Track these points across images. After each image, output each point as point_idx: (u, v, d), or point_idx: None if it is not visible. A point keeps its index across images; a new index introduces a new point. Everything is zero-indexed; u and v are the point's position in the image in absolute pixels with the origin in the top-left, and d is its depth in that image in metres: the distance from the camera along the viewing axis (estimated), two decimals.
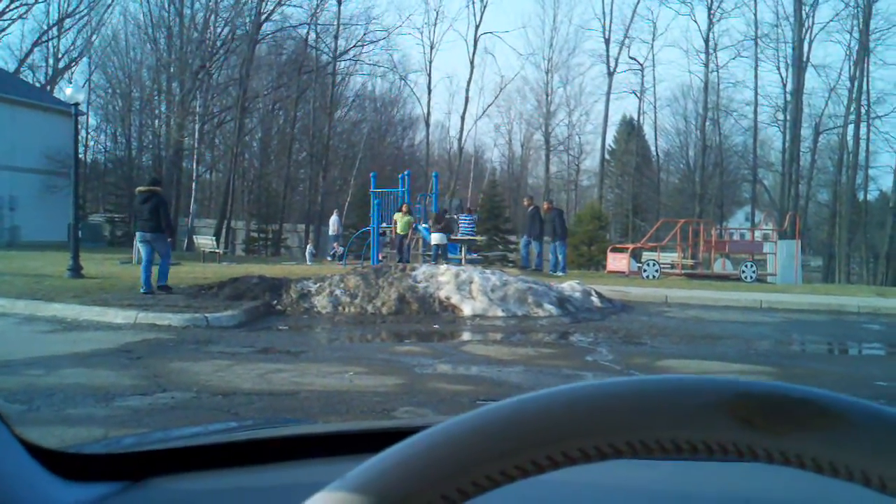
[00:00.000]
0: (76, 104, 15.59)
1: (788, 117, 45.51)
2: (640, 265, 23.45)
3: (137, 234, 12.54)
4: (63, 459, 0.95)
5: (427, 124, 53.27)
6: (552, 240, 20.87)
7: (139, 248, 12.47)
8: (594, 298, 13.00)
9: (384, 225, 22.79)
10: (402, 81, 53.91)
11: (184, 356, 7.52)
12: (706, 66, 47.83)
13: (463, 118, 52.01)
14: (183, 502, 1.04)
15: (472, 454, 0.43)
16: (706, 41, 47.77)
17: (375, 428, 1.39)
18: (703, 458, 0.43)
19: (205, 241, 29.71)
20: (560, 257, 20.48)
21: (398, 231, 20.91)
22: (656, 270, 22.35)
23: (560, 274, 19.17)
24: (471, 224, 21.19)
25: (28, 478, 0.85)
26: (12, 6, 42.53)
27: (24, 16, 44.83)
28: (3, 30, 43.05)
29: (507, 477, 0.43)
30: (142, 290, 11.83)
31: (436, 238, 19.21)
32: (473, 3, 54.78)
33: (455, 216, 21.78)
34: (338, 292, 11.79)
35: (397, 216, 21.02)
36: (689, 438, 0.42)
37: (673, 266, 24.79)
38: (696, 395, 0.43)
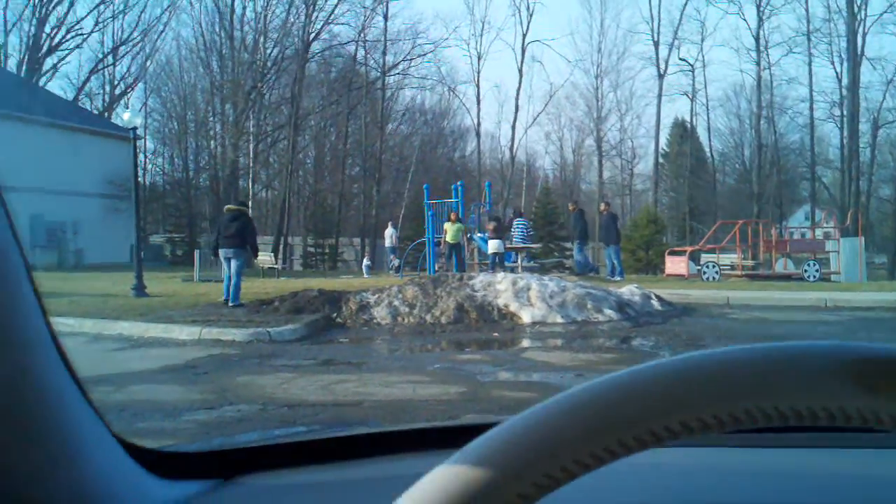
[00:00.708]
0: (134, 128, 15.96)
1: (845, 112, 44.50)
2: (699, 267, 23.16)
3: (221, 250, 12.95)
4: (158, 458, 0.97)
5: (478, 134, 53.36)
6: (606, 244, 20.71)
7: (223, 263, 12.96)
8: (654, 302, 12.86)
9: (438, 236, 22.85)
10: (451, 93, 54.08)
11: (248, 370, 7.62)
12: (758, 63, 47.07)
13: (513, 127, 51.98)
14: (274, 498, 1.06)
15: (592, 425, 0.43)
16: (756, 39, 47.02)
17: (453, 426, 1.40)
18: (824, 427, 0.43)
19: (263, 258, 30.07)
20: (616, 262, 20.28)
21: (449, 240, 20.91)
22: (716, 272, 22.05)
23: (618, 279, 18.99)
24: (524, 228, 21.14)
25: (127, 475, 0.86)
26: (68, 36, 43.77)
27: (80, 45, 46.17)
28: (61, 60, 44.29)
29: (625, 448, 0.43)
30: (226, 301, 12.39)
31: (493, 246, 19.16)
32: (520, 11, 54.68)
33: (508, 223, 21.70)
34: (396, 303, 11.85)
35: (447, 225, 20.99)
36: (811, 405, 0.41)
37: (733, 267, 24.41)
38: (818, 360, 0.42)
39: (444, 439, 1.25)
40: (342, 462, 1.17)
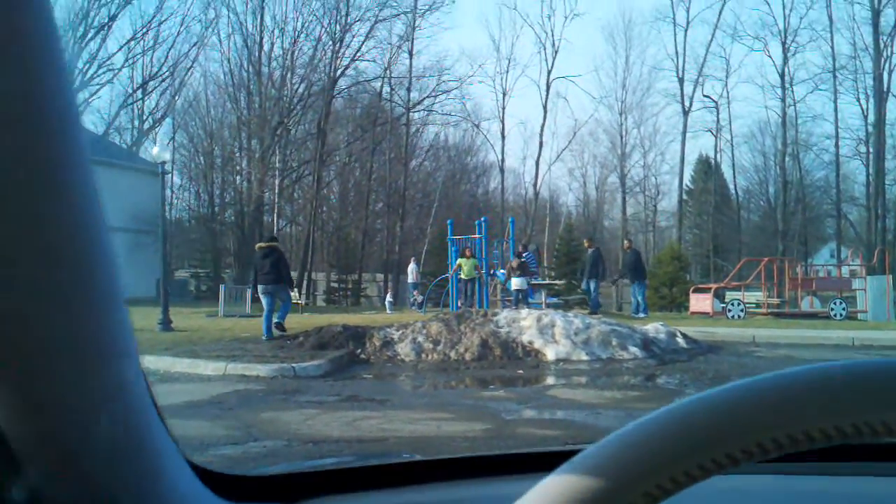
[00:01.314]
0: (163, 163, 16.16)
1: (871, 149, 44.35)
2: (724, 305, 22.99)
3: (259, 286, 13.30)
4: (224, 481, 0.99)
5: (501, 171, 53.60)
6: (631, 282, 20.66)
7: (262, 299, 13.25)
8: (679, 339, 12.76)
9: (457, 273, 22.88)
10: (476, 129, 54.39)
11: (273, 406, 7.64)
12: (783, 100, 47.10)
13: (537, 163, 52.15)
14: None
15: (703, 436, 0.43)
16: (782, 76, 47.11)
17: (505, 455, 1.41)
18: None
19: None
20: (640, 299, 20.20)
21: (463, 276, 20.93)
22: (741, 310, 21.89)
23: (642, 316, 18.90)
24: (531, 259, 21.20)
25: (199, 498, 0.88)
26: (100, 71, 44.52)
27: (112, 80, 46.95)
28: (93, 94, 44.99)
29: (733, 461, 0.43)
30: (263, 338, 12.64)
31: (516, 283, 19.14)
32: (545, 49, 54.89)
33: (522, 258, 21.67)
34: (420, 339, 11.85)
35: (461, 261, 21.02)
36: None
37: (758, 305, 24.23)
38: None
39: (496, 467, 1.27)
40: (402, 488, 1.18)
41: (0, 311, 0.53)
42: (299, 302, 27.31)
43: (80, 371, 0.60)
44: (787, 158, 47.62)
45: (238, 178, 44.87)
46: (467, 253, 21.06)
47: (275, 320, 12.95)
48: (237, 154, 45.07)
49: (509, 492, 1.20)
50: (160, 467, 0.78)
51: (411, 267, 29.49)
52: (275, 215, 43.02)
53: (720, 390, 0.46)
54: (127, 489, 0.71)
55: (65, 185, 0.52)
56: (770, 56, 49.02)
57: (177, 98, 48.23)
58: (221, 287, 23.01)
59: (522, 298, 18.92)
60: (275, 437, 6.04)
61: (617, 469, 0.44)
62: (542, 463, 1.29)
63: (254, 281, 13.86)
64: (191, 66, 47.46)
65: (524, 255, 21.13)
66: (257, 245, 14.41)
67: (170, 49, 47.61)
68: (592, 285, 20.59)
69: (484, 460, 1.35)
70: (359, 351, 11.64)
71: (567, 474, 0.45)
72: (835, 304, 22.35)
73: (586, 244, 22.77)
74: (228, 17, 49.25)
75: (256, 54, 43.29)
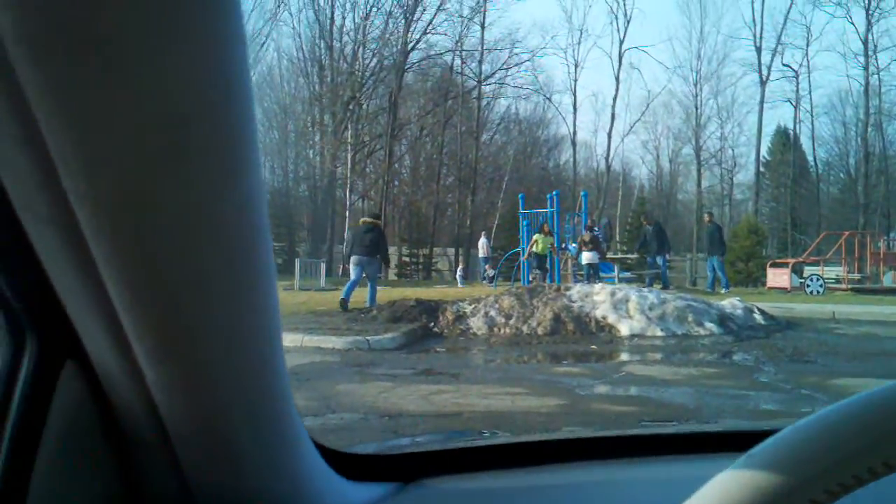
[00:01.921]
0: None
1: None
2: (802, 280, 22.50)
3: (353, 257, 13.81)
4: (342, 459, 1.01)
5: (573, 143, 52.97)
6: (709, 255, 20.38)
7: (351, 269, 13.90)
8: (756, 315, 12.53)
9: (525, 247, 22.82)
10: (547, 102, 53.86)
11: (349, 378, 7.74)
12: (866, 69, 45.42)
13: (609, 136, 51.40)
14: (457, 501, 1.08)
15: (888, 432, 0.42)
16: (865, 43, 45.37)
17: (617, 436, 1.40)
18: None
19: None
20: (720, 273, 19.97)
21: (538, 251, 20.86)
22: (820, 285, 21.38)
23: (723, 290, 18.64)
24: (602, 233, 21.07)
25: (323, 475, 0.91)
26: None
27: None
28: None
29: None
30: (342, 297, 13.18)
31: (587, 257, 18.98)
32: (617, 19, 53.96)
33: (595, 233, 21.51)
34: (493, 313, 11.86)
35: (537, 236, 20.89)
36: None
37: (838, 280, 23.64)
38: None
39: (610, 449, 1.27)
40: (518, 469, 1.19)
41: (182, 300, 0.57)
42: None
43: (239, 356, 0.64)
44: (869, 129, 46.07)
45: (311, 152, 45.38)
46: (545, 228, 20.93)
47: (367, 304, 13.23)
48: (310, 129, 45.55)
49: (623, 477, 1.19)
50: (295, 444, 0.81)
51: (482, 241, 29.48)
52: (347, 190, 43.40)
53: None
54: (266, 466, 0.75)
55: (240, 178, 0.54)
56: (853, 23, 47.14)
57: (252, 73, 48.75)
58: (296, 261, 23.33)
59: (594, 273, 18.77)
60: (351, 409, 6.12)
61: (800, 464, 0.43)
62: (641, 447, 1.28)
63: (348, 252, 14.49)
64: (264, 42, 48.04)
65: (594, 229, 20.92)
66: (361, 220, 15.29)
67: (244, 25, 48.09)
68: (660, 260, 20.43)
69: (579, 443, 1.34)
70: (432, 324, 11.72)
71: (745, 469, 0.44)
72: None
73: (644, 222, 22.61)
74: None
75: (328, 29, 43.58)
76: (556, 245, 21.29)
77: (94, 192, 0.49)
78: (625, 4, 58.25)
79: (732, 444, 1.23)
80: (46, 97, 0.45)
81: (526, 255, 21.65)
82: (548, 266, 20.91)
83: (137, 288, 0.55)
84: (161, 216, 0.52)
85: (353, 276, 13.70)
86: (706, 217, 22.11)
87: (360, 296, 13.42)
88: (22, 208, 0.54)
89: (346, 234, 42.20)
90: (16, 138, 0.48)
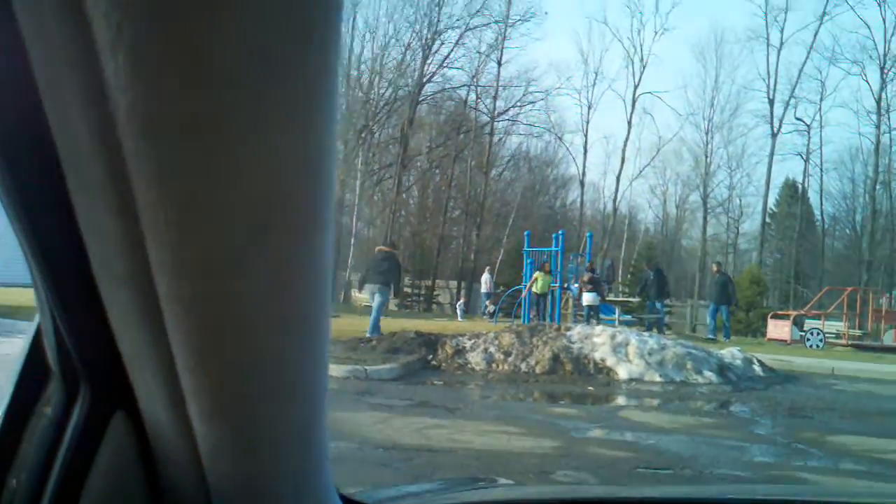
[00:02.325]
0: None
1: None
2: (802, 333, 22.44)
3: (368, 284, 14.26)
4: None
5: (582, 184, 53.10)
6: (718, 304, 20.45)
7: (369, 298, 14.44)
8: (756, 367, 12.51)
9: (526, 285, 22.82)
10: (559, 141, 54.06)
11: (345, 406, 7.72)
12: (878, 127, 45.60)
13: (618, 178, 51.51)
14: None
15: None
16: (878, 101, 45.63)
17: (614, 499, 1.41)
18: None
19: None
20: (726, 322, 20.12)
21: (537, 291, 20.82)
22: (821, 340, 21.34)
23: (723, 340, 18.66)
24: (601, 275, 21.12)
25: None
26: None
27: None
28: None
29: None
30: (368, 334, 13.10)
31: (588, 299, 18.97)
32: (633, 63, 54.22)
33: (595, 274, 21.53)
34: (492, 349, 11.85)
35: (538, 275, 20.92)
36: None
37: (838, 336, 23.58)
38: None
39: None
40: None
41: (245, 367, 0.60)
42: (371, 305, 27.54)
43: (291, 420, 0.68)
44: (877, 186, 46.18)
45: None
46: (546, 267, 20.97)
47: (368, 334, 13.18)
48: None
49: None
50: (320, 491, 0.83)
51: (485, 276, 29.49)
52: (354, 216, 43.49)
53: None
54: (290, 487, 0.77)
55: (315, 258, 0.57)
56: (867, 80, 47.39)
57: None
58: None
59: (594, 314, 18.75)
60: (347, 438, 6.10)
61: None
62: None
63: (362, 279, 14.92)
64: None
65: (595, 270, 20.92)
66: (377, 248, 15.46)
67: None
68: (659, 305, 20.54)
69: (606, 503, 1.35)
70: (430, 357, 11.70)
71: None
72: None
73: (646, 266, 22.78)
74: None
75: (346, 57, 43.90)
76: (559, 284, 21.30)
77: (179, 262, 0.52)
78: (641, 49, 58.43)
79: None
80: (147, 171, 0.48)
81: (525, 292, 21.66)
82: (546, 304, 20.92)
83: (203, 350, 0.57)
84: (237, 288, 0.54)
85: (375, 303, 13.95)
86: (714, 267, 22.37)
87: (361, 325, 13.42)
88: (99, 266, 0.57)
89: (349, 262, 42.38)
90: (110, 206, 0.51)
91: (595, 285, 19.15)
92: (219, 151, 0.47)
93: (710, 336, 19.58)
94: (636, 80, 51.25)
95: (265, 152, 0.49)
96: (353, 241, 42.65)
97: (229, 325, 0.56)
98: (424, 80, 44.73)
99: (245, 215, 0.51)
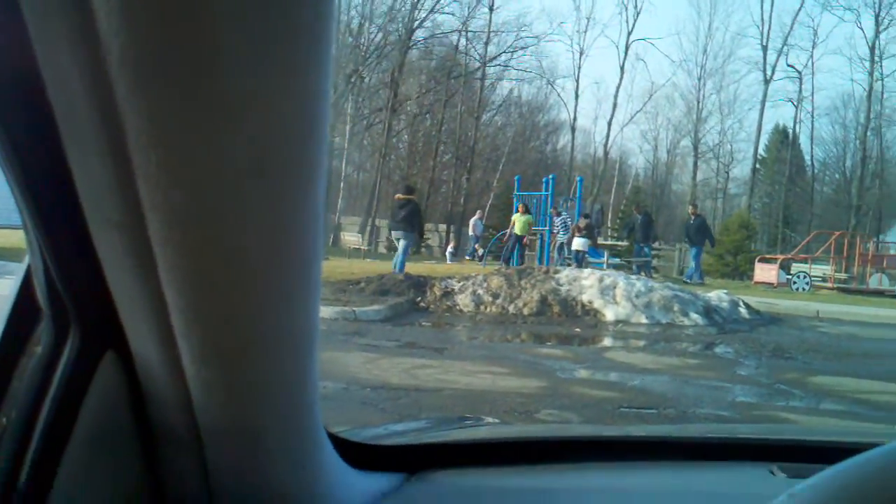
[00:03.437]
0: None
1: None
2: (789, 277, 22.59)
3: (393, 231, 15.53)
4: (348, 447, 1.02)
5: (573, 129, 52.88)
6: (691, 246, 20.47)
7: (396, 242, 15.48)
8: (742, 309, 12.61)
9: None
10: (550, 87, 53.69)
11: (334, 346, 7.76)
12: (871, 74, 45.48)
13: (610, 124, 51.36)
14: (463, 496, 1.10)
15: None
16: (871, 48, 45.40)
17: (633, 439, 1.41)
18: None
19: (351, 238, 30.58)
20: (693, 262, 20.13)
21: (516, 232, 20.70)
22: (807, 283, 21.49)
23: (695, 281, 18.71)
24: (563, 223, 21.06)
25: (334, 470, 0.92)
26: None
27: None
28: None
29: None
30: (395, 271, 13.77)
31: (577, 244, 18.99)
32: (626, 9, 53.74)
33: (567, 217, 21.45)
34: (480, 292, 11.90)
35: (515, 216, 20.85)
36: None
37: (824, 279, 23.78)
38: None
39: (615, 450, 1.29)
40: (521, 465, 1.20)
41: (236, 308, 0.60)
42: (362, 247, 27.57)
43: (281, 362, 0.67)
44: (868, 132, 46.17)
45: None
46: (521, 209, 20.90)
47: (397, 271, 13.78)
48: None
49: (632, 482, 1.21)
50: (314, 444, 0.84)
51: (473, 220, 29.42)
52: (343, 161, 43.30)
53: None
54: (289, 467, 0.79)
55: (308, 202, 0.57)
56: (861, 28, 46.97)
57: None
58: None
59: (581, 259, 18.78)
60: (334, 378, 6.14)
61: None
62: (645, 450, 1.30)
63: (390, 225, 16.21)
64: None
65: (588, 216, 20.86)
66: (396, 195, 16.27)
67: None
68: (647, 248, 20.58)
69: (582, 443, 1.36)
70: (419, 299, 11.75)
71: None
72: None
73: (634, 210, 22.67)
74: None
75: (336, 1, 43.24)
76: (549, 228, 21.30)
77: (170, 204, 0.52)
78: None
79: (752, 453, 1.26)
80: (140, 117, 0.47)
81: (506, 235, 21.61)
82: (524, 246, 20.93)
83: (195, 293, 0.58)
84: (230, 232, 0.54)
85: (400, 247, 14.99)
86: (690, 209, 22.17)
87: (350, 267, 13.45)
88: (91, 209, 0.57)
89: (339, 205, 42.28)
90: (101, 150, 0.51)
91: (588, 231, 19.16)
92: (211, 93, 0.47)
93: (687, 279, 19.51)
94: (630, 26, 50.97)
95: (258, 94, 0.48)
96: (342, 185, 42.52)
97: (221, 270, 0.57)
98: (415, 25, 44.23)
99: (237, 159, 0.50)
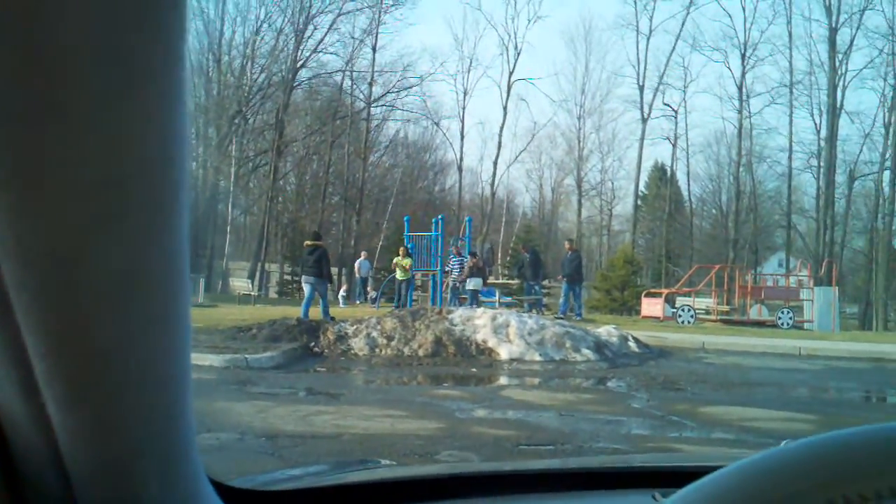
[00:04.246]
0: None
1: (822, 163, 45.28)
2: (674, 310, 23.29)
3: (303, 277, 15.95)
4: (232, 494, 0.98)
5: (459, 169, 53.46)
6: (569, 283, 20.05)
7: (304, 287, 15.66)
8: (631, 344, 12.92)
9: (420, 268, 22.79)
10: (436, 127, 54.28)
11: (226, 396, 7.56)
12: (740, 112, 47.76)
13: (495, 163, 52.15)
14: None
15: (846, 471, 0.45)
16: (739, 88, 47.75)
17: (505, 473, 1.41)
18: None
19: (240, 284, 30.02)
20: (577, 301, 20.03)
21: (399, 276, 20.72)
22: (692, 316, 22.19)
23: (576, 318, 18.88)
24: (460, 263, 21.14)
25: None
26: None
27: None
28: None
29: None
30: (299, 318, 13.35)
31: (471, 283, 19.13)
32: (507, 49, 54.84)
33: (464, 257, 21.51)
34: (374, 334, 11.83)
35: (397, 259, 20.89)
36: None
37: (708, 312, 24.64)
38: None
39: (506, 484, 1.28)
40: None
41: (100, 353, 0.57)
42: (251, 293, 27.07)
43: (151, 404, 0.65)
44: (741, 169, 48.39)
45: (193, 164, 44.34)
46: (401, 251, 20.96)
47: (322, 317, 14.08)
48: (193, 140, 44.54)
49: None
50: (194, 488, 0.81)
51: (359, 262, 28.87)
52: (229, 204, 42.62)
53: (849, 432, 0.48)
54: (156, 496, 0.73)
55: (169, 238, 0.56)
56: (729, 68, 49.41)
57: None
58: None
59: (475, 298, 18.90)
60: (228, 429, 5.97)
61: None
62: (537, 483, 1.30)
63: (301, 272, 16.93)
64: None
65: (475, 255, 20.88)
66: (305, 242, 16.85)
67: None
68: (536, 287, 20.77)
69: (470, 479, 1.35)
70: (313, 344, 11.59)
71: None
72: (782, 313, 22.79)
73: (521, 249, 22.88)
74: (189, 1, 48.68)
75: (217, 41, 42.83)
76: (440, 268, 21.36)
77: (23, 249, 0.49)
78: (515, 36, 59.19)
79: (641, 481, 1.27)
80: None
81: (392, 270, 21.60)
82: (409, 289, 20.91)
83: (56, 338, 0.55)
84: (87, 273, 0.52)
85: (306, 294, 15.31)
86: (567, 245, 21.90)
87: (239, 314, 13.17)
88: None
89: (226, 250, 41.48)
90: None
91: (479, 271, 19.30)
92: (57, 135, 0.45)
93: (561, 313, 19.34)
94: (511, 66, 51.91)
95: (106, 136, 0.47)
96: (228, 229, 41.77)
97: (80, 313, 0.54)
98: (298, 65, 44.14)
99: (88, 200, 0.49)
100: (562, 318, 16.92)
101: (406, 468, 1.58)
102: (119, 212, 0.50)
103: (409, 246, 21.63)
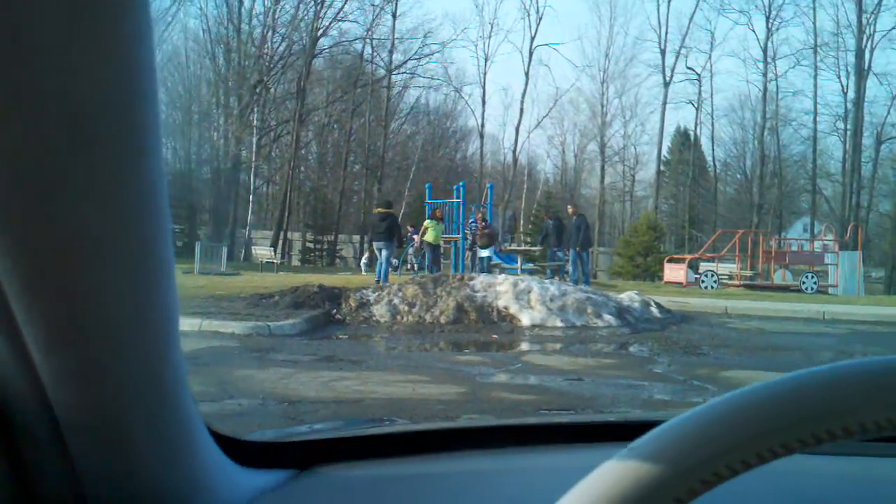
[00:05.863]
0: None
1: (849, 126, 44.71)
2: (697, 276, 23.23)
3: (374, 243, 16.99)
4: (237, 446, 0.99)
5: (481, 136, 53.34)
6: (573, 248, 19.33)
7: (377, 253, 16.85)
8: (653, 309, 12.88)
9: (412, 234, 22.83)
10: (457, 94, 54.03)
11: (248, 363, 7.63)
12: (764, 75, 47.28)
13: (517, 130, 51.95)
14: (351, 489, 1.08)
15: (762, 425, 0.44)
16: (764, 50, 47.25)
17: (519, 424, 1.42)
18: None
19: (262, 252, 30.10)
20: (582, 267, 19.37)
21: (429, 240, 20.31)
22: (715, 281, 22.11)
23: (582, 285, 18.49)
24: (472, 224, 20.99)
25: (215, 465, 0.89)
26: None
27: None
28: None
29: (788, 450, 0.44)
30: (377, 282, 14.77)
31: (484, 253, 19.12)
32: (529, 15, 54.29)
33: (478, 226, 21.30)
34: (396, 301, 11.86)
35: (428, 223, 20.44)
36: None
37: (731, 277, 24.52)
38: None
39: (508, 438, 1.28)
40: (415, 456, 1.19)
41: (76, 290, 0.57)
42: (274, 261, 27.21)
43: (134, 346, 0.65)
44: (765, 132, 47.94)
45: (215, 135, 44.43)
46: (436, 214, 20.71)
47: (381, 282, 14.65)
48: (215, 111, 44.59)
49: (519, 464, 1.21)
50: (187, 434, 0.80)
51: None
52: (251, 174, 42.71)
53: (781, 380, 0.47)
54: (160, 456, 0.75)
55: (140, 174, 0.56)
56: (753, 30, 48.88)
57: (157, 53, 47.40)
58: (197, 244, 22.83)
59: (488, 266, 18.83)
60: (250, 395, 6.03)
61: (677, 455, 0.45)
62: (539, 435, 1.31)
63: (369, 238, 18.35)
64: (170, 21, 46.70)
65: (486, 221, 20.68)
66: (376, 209, 18.00)
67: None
68: (561, 254, 20.30)
69: (477, 431, 1.36)
70: (334, 311, 11.64)
71: (624, 460, 0.46)
72: (806, 277, 22.64)
73: (544, 216, 22.44)
74: None
75: (237, 11, 42.67)
76: (462, 235, 21.31)
77: None
78: (537, 1, 58.74)
79: (626, 433, 1.27)
80: None
81: (417, 243, 21.52)
82: (438, 256, 20.73)
83: (30, 277, 0.55)
84: (59, 207, 0.52)
85: (378, 260, 16.52)
86: (570, 209, 20.70)
87: (261, 282, 13.24)
88: None
89: (248, 219, 41.68)
90: None
91: (489, 238, 19.23)
92: (19, 66, 0.45)
93: (573, 282, 18.66)
94: (532, 31, 51.60)
95: (69, 68, 0.47)
96: (251, 198, 41.91)
97: (56, 250, 0.54)
98: (318, 33, 43.89)
99: (55, 132, 0.48)
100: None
101: (416, 425, 1.59)
102: (89, 149, 0.50)
103: (440, 209, 21.40)
